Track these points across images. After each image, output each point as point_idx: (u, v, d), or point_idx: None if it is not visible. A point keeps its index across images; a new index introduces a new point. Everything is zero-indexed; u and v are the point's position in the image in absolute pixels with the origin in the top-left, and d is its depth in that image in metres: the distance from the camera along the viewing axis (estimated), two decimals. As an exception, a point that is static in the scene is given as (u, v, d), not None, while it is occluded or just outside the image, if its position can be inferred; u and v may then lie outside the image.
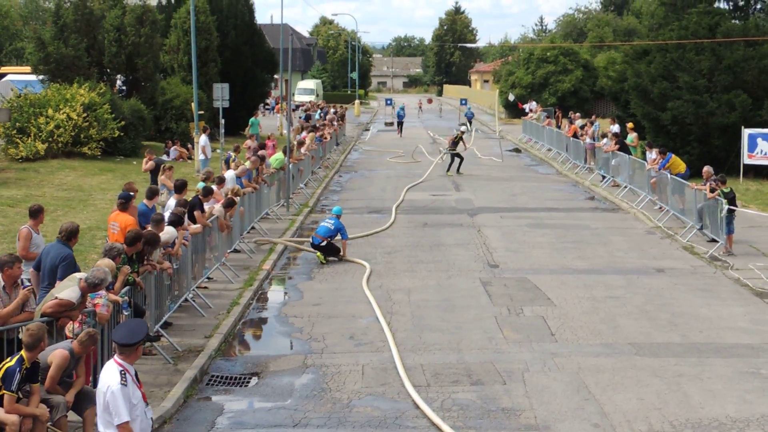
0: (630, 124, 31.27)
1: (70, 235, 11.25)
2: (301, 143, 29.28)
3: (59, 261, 10.85)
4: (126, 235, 11.95)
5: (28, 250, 11.69)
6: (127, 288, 11.15)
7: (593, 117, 39.02)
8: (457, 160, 33.61)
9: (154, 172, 22.32)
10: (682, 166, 23.83)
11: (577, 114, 43.51)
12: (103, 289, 9.94)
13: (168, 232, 13.15)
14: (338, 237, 18.55)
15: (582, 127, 35.77)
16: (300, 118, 48.97)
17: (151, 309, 12.06)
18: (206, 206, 16.14)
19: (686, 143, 29.99)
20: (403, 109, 54.70)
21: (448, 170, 33.52)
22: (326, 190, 29.53)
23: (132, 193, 14.47)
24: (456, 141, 33.81)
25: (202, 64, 38.95)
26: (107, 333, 10.16)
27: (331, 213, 19.36)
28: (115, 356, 7.06)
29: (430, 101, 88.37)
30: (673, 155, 24.41)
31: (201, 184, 17.81)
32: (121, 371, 6.92)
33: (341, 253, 18.55)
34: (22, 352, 8.42)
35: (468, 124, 57.25)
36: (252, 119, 40.91)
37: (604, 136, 31.48)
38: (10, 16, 71.39)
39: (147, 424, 7.14)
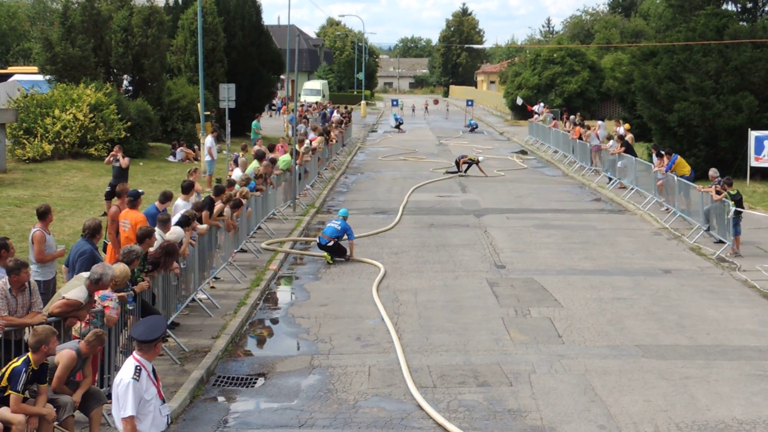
0: (626, 125, 31.12)
1: (93, 232, 11.48)
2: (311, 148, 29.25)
3: (77, 257, 11.14)
4: (137, 233, 12.06)
5: (44, 253, 11.72)
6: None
7: (582, 119, 38.60)
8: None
9: (124, 171, 22.50)
10: (686, 168, 23.77)
11: (578, 114, 43.41)
12: (105, 284, 9.87)
13: (175, 233, 13.18)
14: (345, 237, 18.59)
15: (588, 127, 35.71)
16: (305, 118, 48.97)
17: (159, 309, 12.07)
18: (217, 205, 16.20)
19: (693, 145, 29.92)
20: (398, 111, 63.63)
21: (466, 171, 33.66)
22: (332, 191, 29.53)
23: (141, 191, 14.56)
24: (468, 164, 33.71)
25: (208, 65, 39.02)
26: (114, 334, 10.20)
27: (338, 214, 19.37)
28: (134, 352, 7.15)
29: (436, 102, 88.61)
30: (679, 156, 24.36)
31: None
32: (136, 366, 7.02)
33: (348, 254, 18.58)
34: (29, 353, 8.44)
35: (473, 130, 57.24)
36: (254, 123, 40.96)
37: (610, 138, 31.41)
38: (18, 17, 71.66)
39: (161, 421, 7.17)
